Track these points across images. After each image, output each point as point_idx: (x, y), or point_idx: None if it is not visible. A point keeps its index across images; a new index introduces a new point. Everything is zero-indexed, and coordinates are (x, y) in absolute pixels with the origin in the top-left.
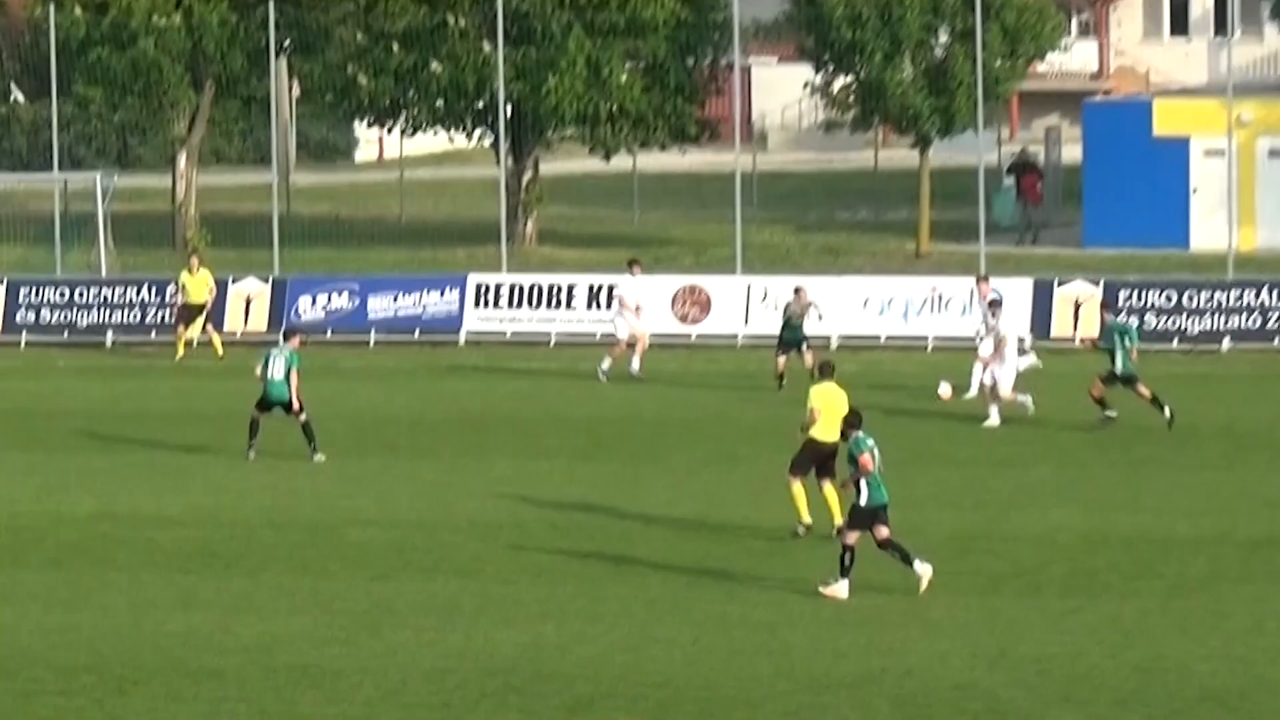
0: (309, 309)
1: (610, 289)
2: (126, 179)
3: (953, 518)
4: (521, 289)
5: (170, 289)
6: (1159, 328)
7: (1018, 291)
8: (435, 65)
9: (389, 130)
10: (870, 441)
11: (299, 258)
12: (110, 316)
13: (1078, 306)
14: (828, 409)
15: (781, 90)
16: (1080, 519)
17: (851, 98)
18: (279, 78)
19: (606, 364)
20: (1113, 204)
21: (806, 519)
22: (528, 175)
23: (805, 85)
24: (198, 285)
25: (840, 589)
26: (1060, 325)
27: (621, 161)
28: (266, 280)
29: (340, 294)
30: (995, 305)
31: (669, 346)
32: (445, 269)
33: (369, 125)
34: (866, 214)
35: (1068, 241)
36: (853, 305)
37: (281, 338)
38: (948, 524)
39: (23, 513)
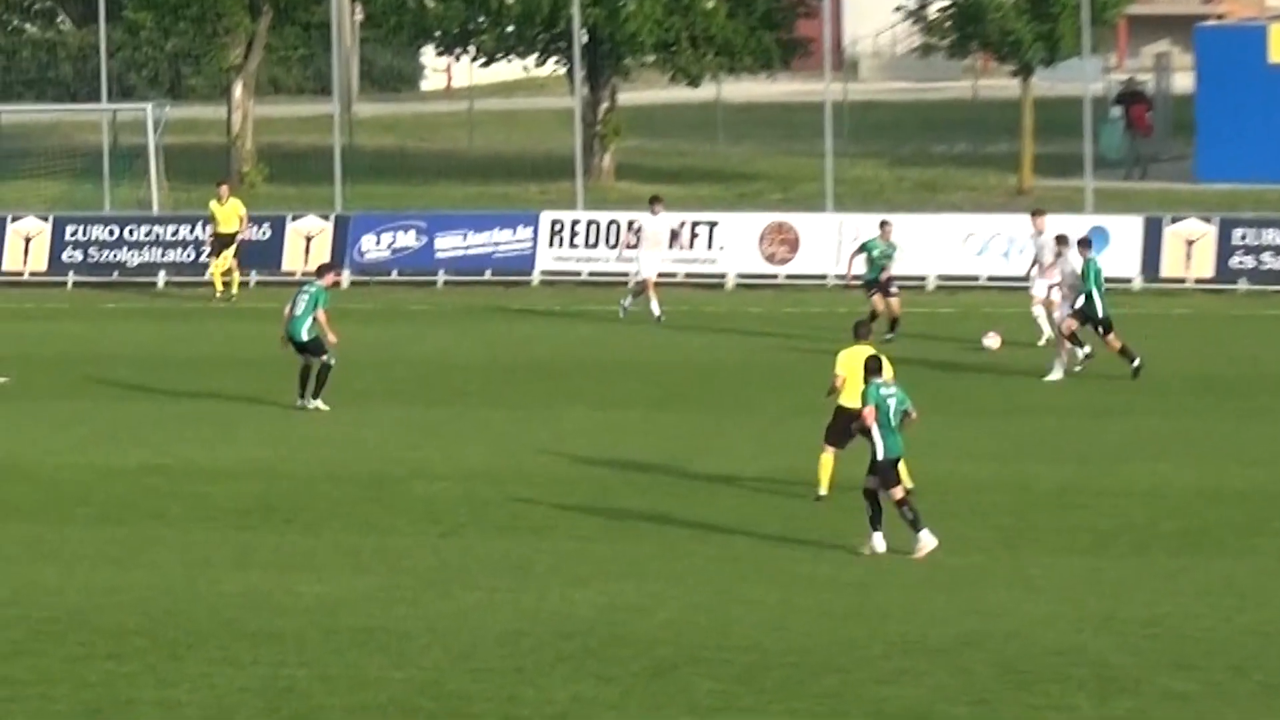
0: (373, 248)
1: (694, 225)
2: (179, 110)
3: (1054, 471)
4: (598, 226)
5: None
6: (1278, 268)
7: (1126, 230)
8: None
9: (457, 58)
10: (885, 390)
11: (362, 194)
12: (162, 255)
13: (1190, 245)
14: (854, 374)
15: (874, 14)
16: (1191, 472)
17: (949, 22)
18: (340, 1)
19: (629, 301)
20: (1227, 136)
21: (823, 490)
22: (605, 105)
23: (898, 9)
24: (228, 215)
25: (876, 543)
26: (1171, 265)
27: (705, 90)
28: (328, 218)
29: (406, 232)
30: (1062, 241)
31: (755, 288)
32: (517, 205)
33: (437, 52)
34: (965, 147)
35: (1179, 176)
36: (950, 243)
37: (316, 273)
38: (1049, 477)
39: (68, 465)
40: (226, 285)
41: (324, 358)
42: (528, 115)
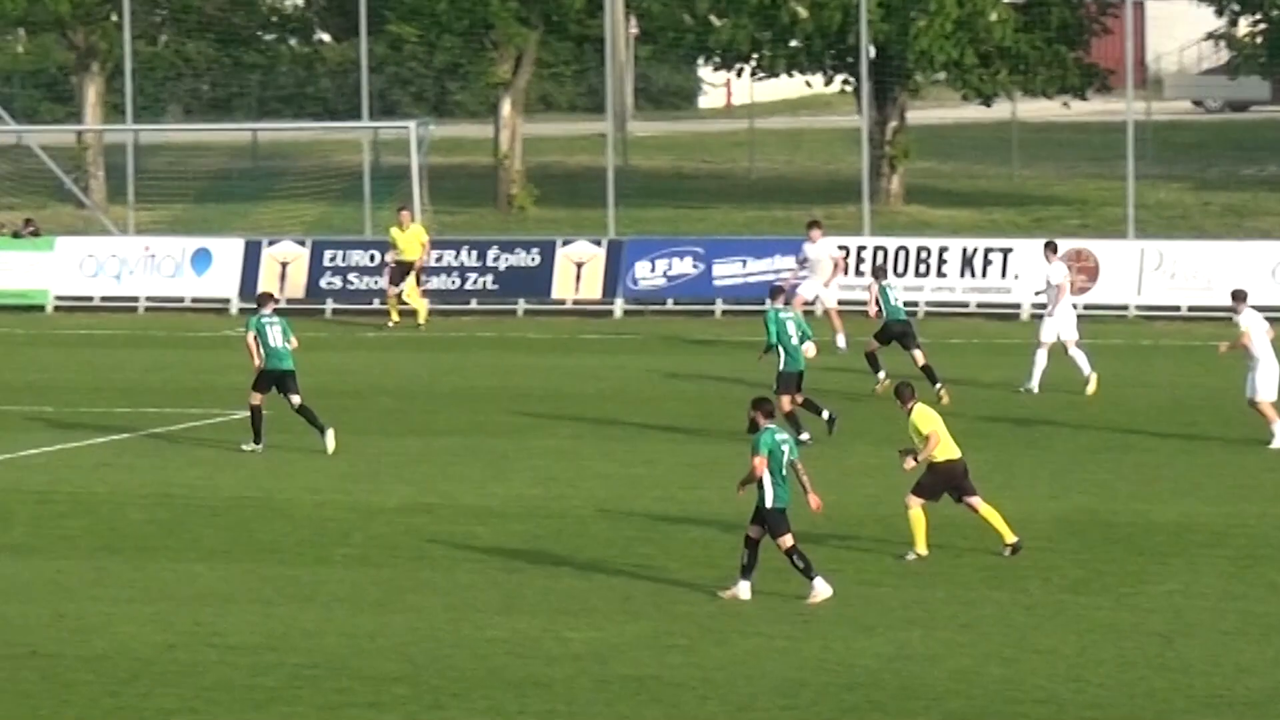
0: (647, 275)
1: (986, 252)
2: (444, 128)
3: None
4: (886, 253)
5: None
6: None
7: None
8: (793, 2)
9: (738, 74)
10: (780, 437)
11: (636, 217)
12: (426, 282)
13: None
14: (940, 429)
15: (1179, 30)
16: None
17: (1259, 39)
18: (615, 15)
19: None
20: None
21: (922, 550)
22: (893, 124)
23: (1209, 36)
24: (410, 241)
25: (741, 591)
26: None
27: (999, 110)
28: (599, 243)
29: (682, 258)
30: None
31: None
32: (800, 231)
33: (715, 68)
34: (1276, 169)
35: None
36: (1259, 273)
37: (259, 303)
38: None
39: (328, 503)
40: (409, 313)
41: (296, 399)
42: (811, 134)
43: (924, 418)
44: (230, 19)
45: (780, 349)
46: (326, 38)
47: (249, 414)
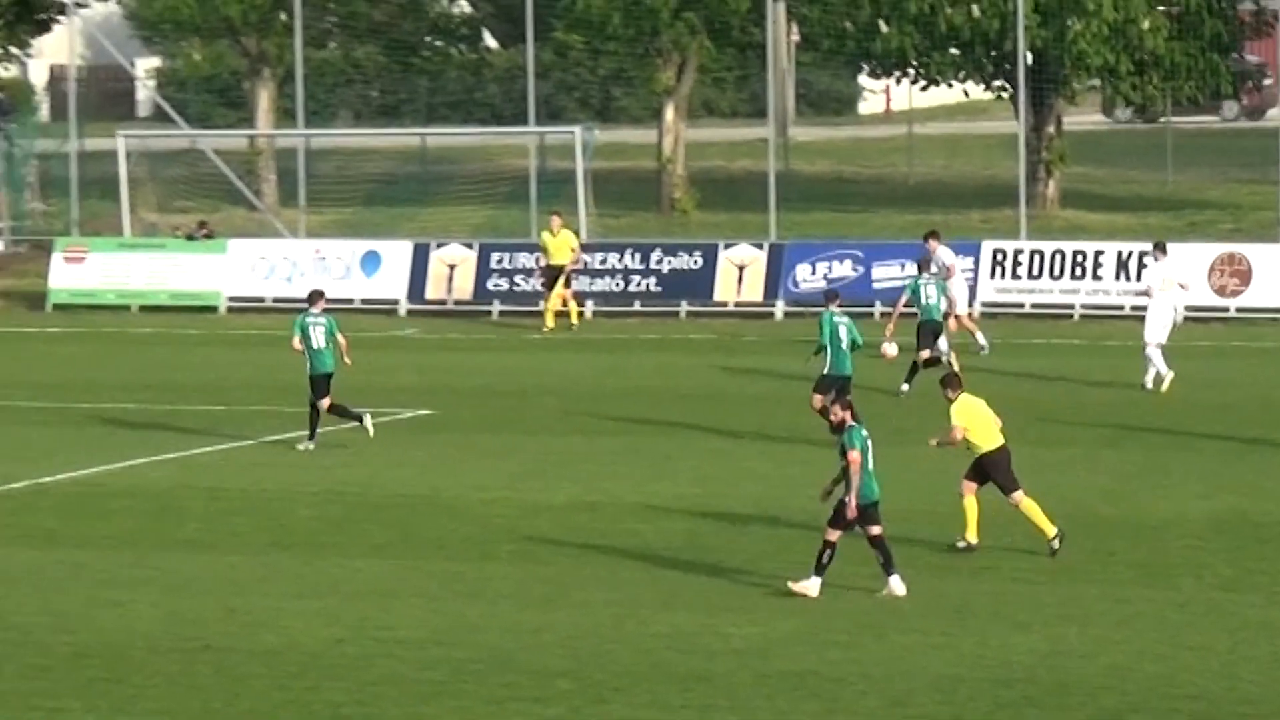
0: (808, 278)
1: (1141, 255)
2: (608, 133)
3: None
4: (1042, 256)
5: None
6: None
7: None
8: (950, 9)
9: (898, 81)
10: (865, 433)
11: (796, 221)
12: (590, 284)
13: None
14: (975, 420)
15: None
16: None
17: None
18: (777, 22)
19: (982, 339)
20: None
21: (973, 538)
22: (1049, 130)
23: None
24: (560, 246)
25: (895, 586)
26: None
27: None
28: (761, 246)
29: (842, 262)
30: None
31: (1203, 321)
32: (958, 234)
33: (874, 75)
34: None
35: None
36: None
37: (309, 301)
38: None
39: (494, 500)
40: (563, 315)
41: (325, 400)
42: (969, 140)
43: (960, 411)
44: (399, 25)
45: (828, 352)
46: (494, 44)
47: (309, 412)
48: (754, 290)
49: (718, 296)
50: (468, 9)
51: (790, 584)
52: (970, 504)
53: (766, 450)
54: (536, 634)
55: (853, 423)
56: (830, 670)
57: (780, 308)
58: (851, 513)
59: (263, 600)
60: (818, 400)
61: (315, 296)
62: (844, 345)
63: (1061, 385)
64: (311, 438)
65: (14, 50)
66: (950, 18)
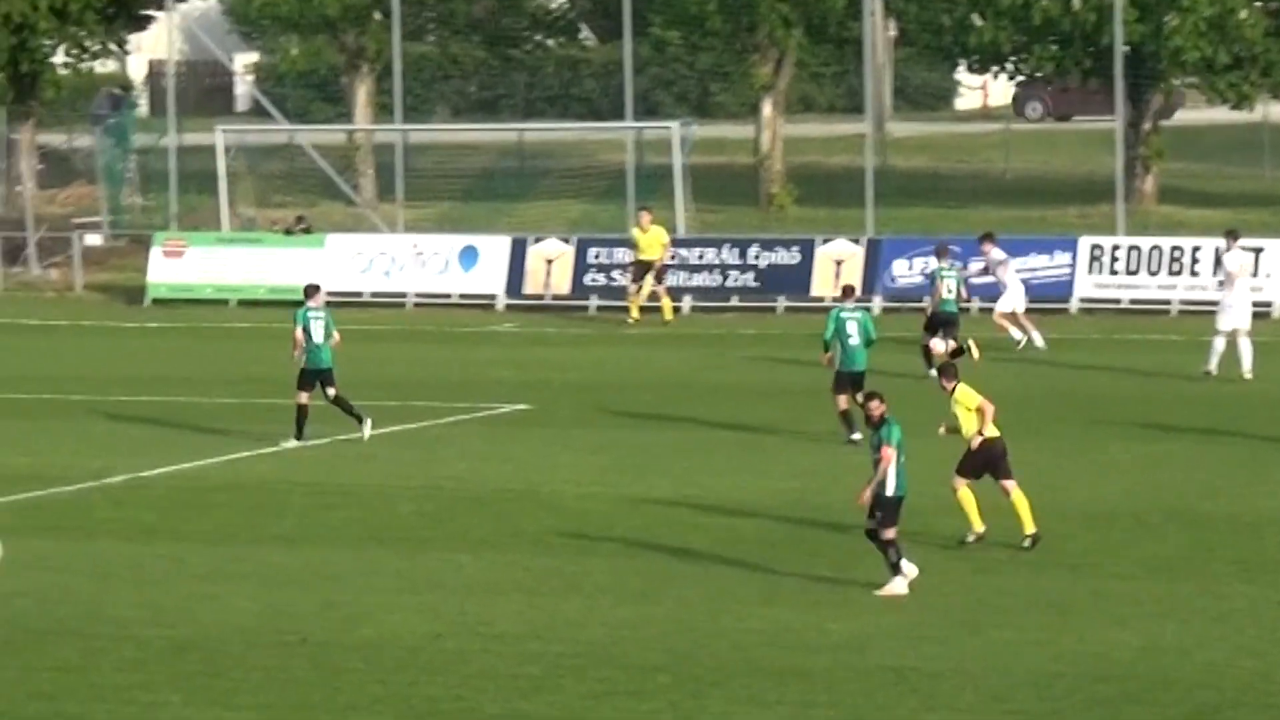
0: (905, 273)
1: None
2: (706, 128)
3: None
4: (1140, 252)
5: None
6: None
7: None
8: (1046, 2)
9: (995, 75)
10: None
11: (893, 217)
12: (688, 279)
13: None
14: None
15: None
16: None
17: None
18: (874, 17)
19: (1038, 337)
20: None
21: (979, 528)
22: (1147, 126)
23: None
24: (650, 242)
25: (908, 571)
26: None
27: (1250, 112)
28: (858, 242)
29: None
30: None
31: None
32: (1055, 230)
33: (971, 70)
34: None
35: None
36: None
37: (306, 295)
38: None
39: (591, 495)
40: (653, 309)
41: (331, 390)
42: (1066, 135)
43: (968, 394)
44: (497, 20)
45: (838, 348)
46: (591, 39)
47: (296, 410)
48: (853, 283)
49: (815, 291)
50: (565, 4)
51: (878, 592)
52: (965, 495)
53: (864, 445)
54: (634, 629)
55: (888, 416)
56: (928, 665)
57: (878, 303)
58: (863, 501)
59: (361, 594)
60: (842, 401)
61: (312, 290)
62: (854, 341)
63: (1159, 381)
64: (299, 436)
65: (113, 46)
66: (1046, 10)
